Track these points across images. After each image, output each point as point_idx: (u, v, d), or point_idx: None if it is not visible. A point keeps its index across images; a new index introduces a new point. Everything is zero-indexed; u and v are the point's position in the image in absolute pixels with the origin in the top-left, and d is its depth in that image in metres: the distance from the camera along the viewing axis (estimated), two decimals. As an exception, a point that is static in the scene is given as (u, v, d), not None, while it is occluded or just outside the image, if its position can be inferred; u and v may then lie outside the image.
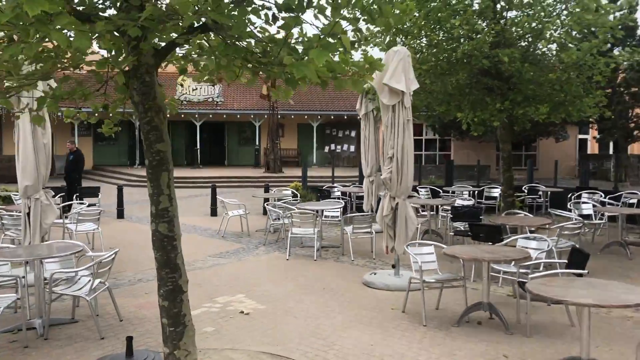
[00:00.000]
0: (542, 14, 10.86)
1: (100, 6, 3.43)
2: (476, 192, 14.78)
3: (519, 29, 10.95)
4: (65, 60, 3.59)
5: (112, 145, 31.04)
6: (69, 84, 4.05)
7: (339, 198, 13.59)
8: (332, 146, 32.53)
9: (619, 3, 12.45)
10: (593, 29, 10.77)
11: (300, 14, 3.27)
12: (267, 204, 11.68)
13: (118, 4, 3.47)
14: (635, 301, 4.27)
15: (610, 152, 28.75)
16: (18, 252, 6.34)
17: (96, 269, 5.75)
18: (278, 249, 10.48)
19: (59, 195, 12.37)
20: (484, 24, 10.90)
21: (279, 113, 27.75)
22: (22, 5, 2.42)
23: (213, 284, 7.91)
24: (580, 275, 5.68)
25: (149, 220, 3.91)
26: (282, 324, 6.23)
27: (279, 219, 11.04)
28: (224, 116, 30.72)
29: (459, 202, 11.94)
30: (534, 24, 10.82)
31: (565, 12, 10.97)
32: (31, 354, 5.34)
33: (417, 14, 10.67)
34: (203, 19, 3.28)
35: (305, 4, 3.22)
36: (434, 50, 11.04)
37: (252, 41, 3.63)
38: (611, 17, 11.01)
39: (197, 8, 3.03)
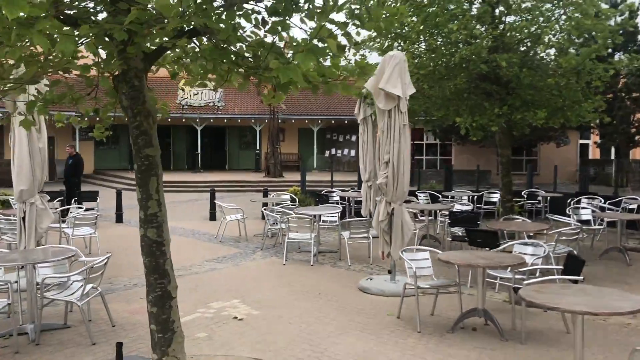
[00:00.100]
0: (541, 19, 10.84)
1: (91, 10, 3.42)
2: (475, 197, 14.72)
3: (517, 34, 10.91)
4: (52, 65, 3.58)
5: (113, 149, 31.13)
6: (59, 88, 4.04)
7: (337, 203, 13.55)
8: (333, 151, 32.52)
9: (619, 8, 12.43)
10: (592, 33, 10.72)
11: (287, 18, 3.25)
12: (264, 209, 11.64)
13: (108, 8, 3.45)
14: (628, 308, 4.21)
15: (612, 157, 28.67)
16: (12, 257, 6.31)
17: (88, 274, 5.72)
18: (275, 253, 10.44)
19: (58, 199, 12.36)
20: (482, 29, 10.87)
21: (280, 118, 27.77)
22: (1, 8, 2.41)
23: (208, 289, 7.87)
24: (575, 281, 5.64)
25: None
26: (275, 330, 6.18)
27: (276, 223, 11.00)
28: (225, 121, 30.79)
29: (457, 207, 11.89)
30: (532, 29, 10.80)
31: (564, 17, 10.94)
32: (22, 360, 5.31)
33: (415, 19, 10.66)
34: (192, 24, 3.26)
35: (291, 8, 3.20)
36: (432, 55, 11.00)
37: (243, 45, 3.62)
38: (612, 21, 10.98)
39: (182, 11, 3.01)
